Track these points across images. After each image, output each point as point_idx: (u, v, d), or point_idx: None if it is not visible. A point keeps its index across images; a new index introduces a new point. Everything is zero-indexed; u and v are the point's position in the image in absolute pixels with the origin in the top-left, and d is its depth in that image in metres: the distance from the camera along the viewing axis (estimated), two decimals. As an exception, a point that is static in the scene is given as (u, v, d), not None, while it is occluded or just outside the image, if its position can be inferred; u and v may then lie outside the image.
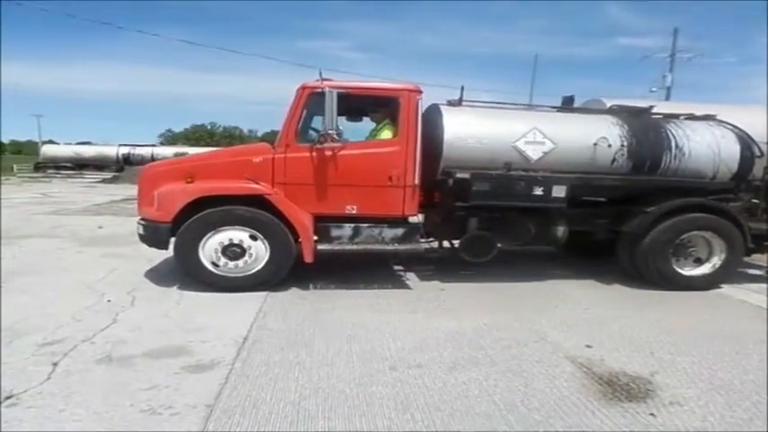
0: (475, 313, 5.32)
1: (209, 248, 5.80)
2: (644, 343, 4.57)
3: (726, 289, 6.64)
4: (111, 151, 35.93)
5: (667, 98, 26.95)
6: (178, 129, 64.86)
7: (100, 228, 10.47)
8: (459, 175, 6.11)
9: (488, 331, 4.77)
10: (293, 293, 5.89)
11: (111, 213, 13.22)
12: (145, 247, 6.26)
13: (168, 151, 39.72)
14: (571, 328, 4.92)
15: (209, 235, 5.79)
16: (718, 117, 7.08)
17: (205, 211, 5.75)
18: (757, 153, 6.83)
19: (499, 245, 6.60)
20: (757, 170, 6.95)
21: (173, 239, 5.90)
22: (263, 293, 5.76)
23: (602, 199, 7.07)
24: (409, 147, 6.06)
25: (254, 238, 5.84)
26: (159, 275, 6.56)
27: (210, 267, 5.83)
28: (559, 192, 6.21)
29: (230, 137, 63.26)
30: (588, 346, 4.43)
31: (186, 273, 5.99)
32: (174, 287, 5.97)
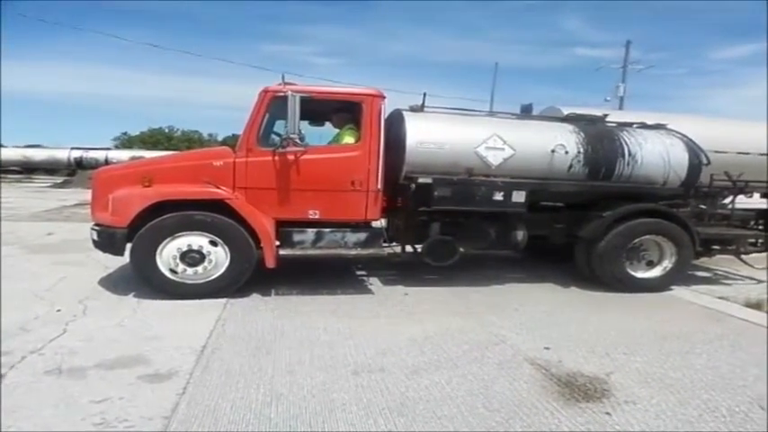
0: (437, 317, 5.36)
1: (167, 255, 5.64)
2: (600, 344, 4.69)
3: (676, 291, 6.89)
4: (63, 154, 34.46)
5: (621, 107, 27.91)
6: (135, 132, 63.00)
7: (50, 234, 10.07)
8: (421, 180, 6.15)
9: (450, 335, 4.80)
10: (254, 300, 5.80)
11: (62, 219, 12.70)
12: (99, 253, 6.05)
13: (124, 155, 38.49)
14: (530, 331, 5.01)
15: (166, 241, 5.63)
16: (668, 126, 7.39)
17: (163, 216, 5.59)
18: (704, 161, 7.13)
19: (461, 249, 6.68)
20: (705, 177, 7.24)
21: (129, 245, 5.71)
22: (223, 300, 5.65)
23: (560, 204, 7.25)
24: (372, 151, 6.06)
25: (213, 243, 5.71)
26: (114, 283, 6.34)
27: (168, 274, 5.67)
28: (519, 197, 6.34)
29: (189, 141, 61.80)
30: (547, 348, 4.52)
31: (143, 280, 5.80)
32: (130, 295, 5.79)
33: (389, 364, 4.05)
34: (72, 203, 16.49)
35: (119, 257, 6.01)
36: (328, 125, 6.96)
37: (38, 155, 36.04)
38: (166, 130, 65.37)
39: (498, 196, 6.29)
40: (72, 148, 34.92)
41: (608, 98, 31.77)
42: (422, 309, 5.71)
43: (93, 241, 5.94)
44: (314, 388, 3.58)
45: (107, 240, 5.76)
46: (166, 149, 46.79)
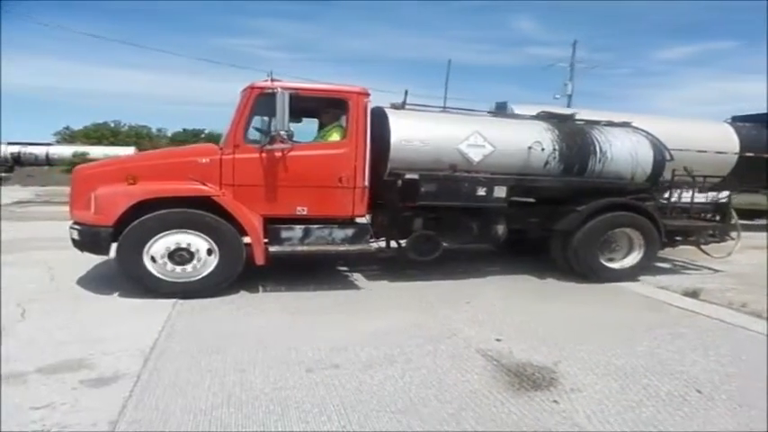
0: (393, 313, 5.40)
1: (155, 253, 5.54)
2: (549, 334, 4.83)
3: (625, 282, 7.13)
4: (-2, 150, 32.81)
5: (569, 105, 28.75)
6: (78, 126, 60.24)
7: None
8: (408, 176, 6.27)
9: (405, 330, 4.84)
10: (203, 300, 5.67)
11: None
12: (40, 254, 5.79)
13: (67, 150, 36.90)
14: (482, 324, 5.11)
15: (154, 239, 5.52)
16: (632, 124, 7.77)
17: (150, 214, 5.48)
18: (668, 158, 7.58)
19: (444, 244, 6.86)
20: (667, 173, 7.71)
21: (114, 244, 5.58)
22: (173, 300, 5.50)
23: (531, 199, 7.46)
24: (359, 148, 6.12)
25: (202, 241, 5.64)
26: (57, 284, 6.09)
27: (156, 273, 5.56)
28: (500, 192, 6.58)
29: (137, 136, 59.60)
30: (498, 340, 4.63)
31: (129, 279, 5.67)
32: (75, 296, 5.58)
33: (344, 361, 4.05)
34: (10, 201, 15.68)
35: (62, 257, 5.77)
36: (306, 121, 6.99)
37: (-32, 151, 34.01)
38: (112, 125, 62.86)
39: (481, 192, 6.49)
40: (9, 143, 33.18)
41: (557, 96, 32.80)
42: (379, 305, 5.74)
43: (73, 240, 5.78)
44: (266, 387, 3.54)
45: (90, 239, 5.61)
46: (112, 144, 45.14)
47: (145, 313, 5.08)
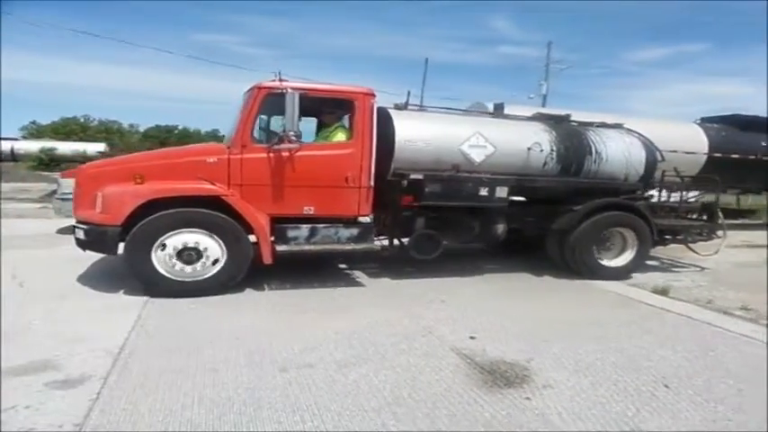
0: (368, 311, 5.38)
1: (164, 252, 5.50)
2: (522, 331, 4.88)
3: (596, 280, 7.21)
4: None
5: (543, 104, 29.11)
6: (45, 121, 58.69)
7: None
8: (413, 176, 6.34)
9: (379, 328, 4.84)
10: (175, 299, 5.57)
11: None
12: (4, 253, 5.61)
13: (33, 146, 35.96)
14: (456, 322, 5.14)
15: (162, 238, 5.49)
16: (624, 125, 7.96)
17: (158, 214, 5.45)
18: (659, 158, 7.80)
19: (445, 242, 6.95)
20: (657, 173, 7.95)
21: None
22: (144, 299, 5.42)
23: (523, 198, 7.60)
24: (365, 148, 6.19)
25: (210, 240, 5.64)
26: (22, 283, 5.91)
27: (164, 272, 5.54)
28: (502, 192, 6.71)
29: (107, 131, 58.39)
30: (472, 338, 4.65)
31: (138, 278, 5.64)
32: (41, 295, 5.42)
33: (318, 360, 4.02)
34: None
35: (31, 254, 5.61)
36: (304, 120, 6.91)
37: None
38: (82, 120, 61.41)
39: (483, 192, 6.62)
40: (-29, 138, 32.22)
41: (531, 96, 33.14)
42: (353, 302, 5.72)
43: (79, 240, 5.72)
44: (239, 387, 3.50)
45: (98, 239, 5.56)
46: (81, 140, 44.12)
47: (116, 313, 4.98)
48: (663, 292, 6.57)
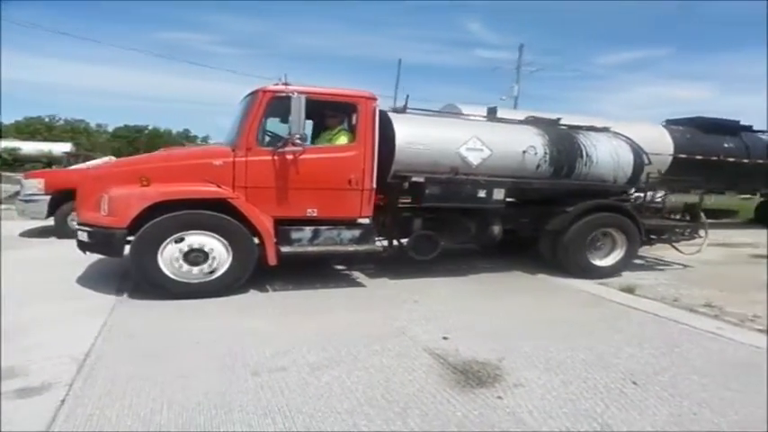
0: (341, 313, 5.37)
1: (170, 254, 5.47)
2: (494, 331, 4.92)
3: (569, 279, 7.35)
4: None
5: (515, 106, 29.48)
6: (8, 120, 56.76)
7: None
8: (414, 179, 6.43)
9: (352, 329, 4.82)
10: (146, 301, 5.47)
11: None
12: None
13: (-5, 146, 34.72)
14: (429, 322, 5.15)
15: (168, 240, 5.45)
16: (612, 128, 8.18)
17: (164, 216, 5.41)
18: (646, 161, 8.01)
19: (442, 243, 7.05)
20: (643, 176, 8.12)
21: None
22: (112, 303, 5.30)
23: (523, 201, 7.73)
24: (367, 151, 6.27)
25: (216, 242, 5.63)
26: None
27: (170, 274, 5.49)
28: (499, 194, 6.85)
29: (73, 131, 56.85)
30: (445, 338, 4.67)
31: (143, 280, 5.58)
32: (5, 300, 5.24)
33: (290, 362, 3.98)
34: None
35: None
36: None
37: None
38: (47, 119, 59.62)
39: (481, 193, 6.75)
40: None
41: (503, 97, 33.45)
42: (327, 305, 5.69)
43: (82, 242, 5.67)
44: (210, 392, 3.43)
45: (103, 241, 5.52)
46: (46, 140, 42.84)
47: (83, 318, 4.85)
48: (629, 290, 6.71)
